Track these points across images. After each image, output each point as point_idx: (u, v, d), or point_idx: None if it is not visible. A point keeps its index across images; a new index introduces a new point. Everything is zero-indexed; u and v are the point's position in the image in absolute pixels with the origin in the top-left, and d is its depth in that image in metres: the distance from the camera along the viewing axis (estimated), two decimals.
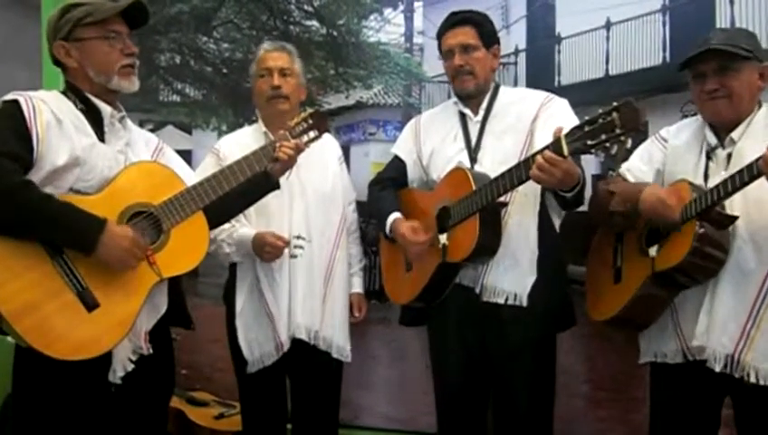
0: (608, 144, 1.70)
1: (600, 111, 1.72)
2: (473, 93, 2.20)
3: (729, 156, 1.83)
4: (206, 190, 1.80)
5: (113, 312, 1.66)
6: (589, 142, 1.73)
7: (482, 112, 2.21)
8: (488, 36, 2.20)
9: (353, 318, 2.42)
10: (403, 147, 2.38)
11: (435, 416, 2.33)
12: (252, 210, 2.20)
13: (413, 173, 2.35)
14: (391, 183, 2.36)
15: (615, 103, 1.70)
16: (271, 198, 2.11)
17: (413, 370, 2.95)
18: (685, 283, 1.82)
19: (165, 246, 1.74)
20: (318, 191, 2.33)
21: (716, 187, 1.70)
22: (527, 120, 2.14)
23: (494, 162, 2.10)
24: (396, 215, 2.21)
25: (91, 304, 1.63)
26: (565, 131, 1.79)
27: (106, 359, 1.70)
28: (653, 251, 1.86)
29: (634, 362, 2.03)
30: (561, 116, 2.08)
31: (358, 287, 2.45)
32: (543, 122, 2.10)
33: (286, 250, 2.23)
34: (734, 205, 1.75)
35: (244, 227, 2.24)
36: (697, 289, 1.82)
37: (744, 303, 1.74)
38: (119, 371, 1.72)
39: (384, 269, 2.44)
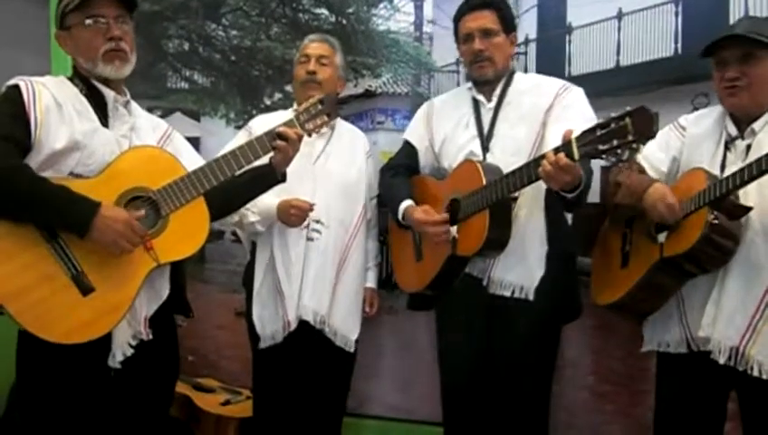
0: (619, 150, 1.66)
1: (614, 115, 1.67)
2: (491, 80, 2.16)
3: (748, 147, 1.81)
4: (206, 176, 1.79)
5: (108, 296, 1.66)
6: (600, 147, 1.69)
7: (495, 99, 2.17)
8: (508, 21, 2.16)
9: (365, 313, 2.45)
10: (415, 133, 2.37)
11: (439, 405, 2.33)
12: (275, 193, 2.20)
13: (425, 159, 2.33)
14: (403, 169, 2.35)
15: (629, 108, 1.65)
16: (295, 182, 2.14)
17: (419, 359, 2.95)
18: (692, 271, 1.81)
19: (163, 231, 1.74)
20: (342, 181, 2.38)
21: (731, 175, 1.68)
22: (541, 110, 2.11)
23: (504, 152, 2.08)
24: (408, 202, 2.21)
25: (85, 288, 1.64)
26: (576, 134, 1.74)
27: (106, 343, 1.71)
28: (662, 237, 1.85)
29: (639, 355, 2.03)
30: (575, 108, 2.06)
31: (371, 282, 2.49)
32: (557, 114, 2.07)
33: (304, 232, 2.26)
34: (748, 196, 1.73)
35: (268, 197, 2.24)
36: (706, 279, 1.81)
37: (753, 296, 1.73)
38: (118, 356, 1.73)
39: (394, 258, 2.44)
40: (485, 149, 2.15)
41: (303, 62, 2.39)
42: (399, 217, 2.22)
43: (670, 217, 1.78)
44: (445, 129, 2.26)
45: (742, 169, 1.66)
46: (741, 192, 1.72)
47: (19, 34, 3.19)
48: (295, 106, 2.43)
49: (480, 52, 2.12)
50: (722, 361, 1.75)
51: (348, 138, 2.45)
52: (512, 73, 2.21)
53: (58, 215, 1.61)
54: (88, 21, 1.74)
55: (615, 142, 1.66)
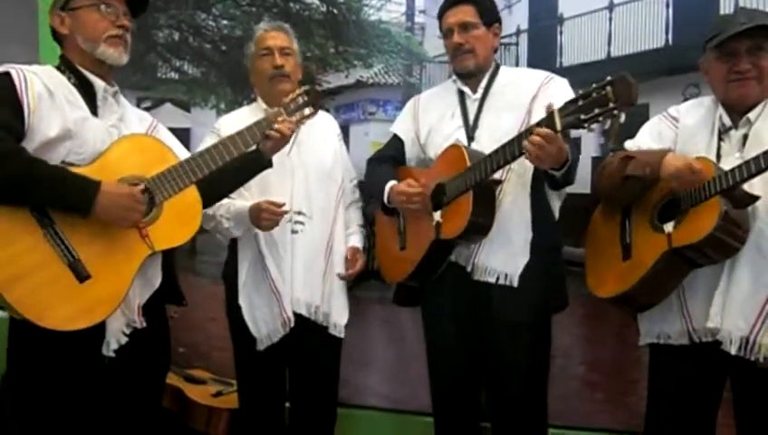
0: (600, 118, 1.70)
1: (594, 84, 1.71)
2: (473, 72, 2.20)
3: (745, 137, 1.81)
4: (199, 164, 1.80)
5: (105, 283, 1.66)
6: (582, 117, 1.72)
7: (481, 90, 2.21)
8: (488, 14, 2.20)
9: (350, 269, 2.38)
10: (401, 126, 2.39)
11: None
12: (253, 188, 2.22)
13: (411, 152, 2.36)
14: (389, 161, 2.37)
15: (609, 77, 1.68)
16: (272, 175, 2.14)
17: (410, 350, 2.96)
18: (700, 261, 1.79)
19: (157, 219, 1.74)
20: (318, 168, 2.36)
21: (746, 163, 1.67)
22: (526, 98, 2.13)
23: (491, 140, 2.08)
24: (393, 182, 2.22)
25: (82, 275, 1.63)
26: (559, 105, 1.78)
27: (100, 332, 1.71)
28: (669, 227, 1.82)
29: (630, 344, 2.03)
30: (560, 96, 2.06)
31: (355, 242, 2.44)
32: (542, 102, 2.07)
33: (288, 225, 2.24)
34: (753, 186, 1.72)
35: (241, 200, 2.24)
36: (707, 270, 1.79)
37: (763, 285, 1.72)
38: (112, 344, 1.74)
39: (379, 248, 2.44)
40: (471, 138, 2.17)
41: (266, 55, 2.33)
42: (385, 198, 2.23)
43: (698, 181, 1.73)
44: (431, 120, 2.29)
45: (757, 157, 1.64)
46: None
47: (6, 26, 3.16)
48: (260, 101, 2.40)
49: (459, 45, 2.16)
50: (733, 351, 1.73)
51: (317, 123, 2.37)
52: (497, 66, 2.25)
53: (60, 195, 1.61)
54: (103, 6, 1.77)
55: (597, 111, 1.69)
